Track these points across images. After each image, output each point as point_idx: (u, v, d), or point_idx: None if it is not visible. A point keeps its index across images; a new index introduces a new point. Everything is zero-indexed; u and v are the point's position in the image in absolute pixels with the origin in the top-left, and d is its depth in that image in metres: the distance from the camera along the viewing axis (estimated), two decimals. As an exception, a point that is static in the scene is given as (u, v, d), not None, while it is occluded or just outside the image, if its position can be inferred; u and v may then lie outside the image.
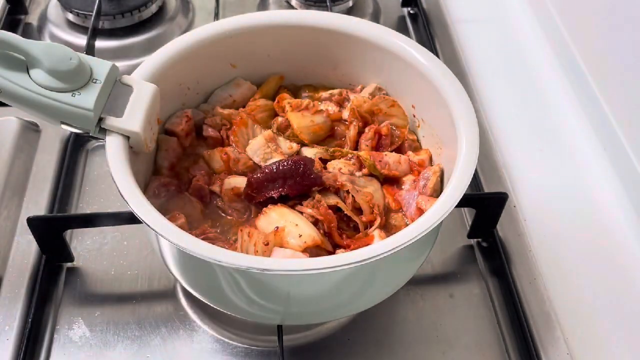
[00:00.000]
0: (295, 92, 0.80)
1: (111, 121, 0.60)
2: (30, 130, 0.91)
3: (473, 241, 0.83)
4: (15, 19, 1.11)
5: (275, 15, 0.75)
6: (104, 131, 0.61)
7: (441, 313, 0.76)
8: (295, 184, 0.65)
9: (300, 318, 0.69)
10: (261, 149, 0.70)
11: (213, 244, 0.58)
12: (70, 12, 1.05)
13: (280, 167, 0.65)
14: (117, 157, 0.59)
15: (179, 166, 0.71)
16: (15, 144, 0.89)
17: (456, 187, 0.59)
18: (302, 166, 0.65)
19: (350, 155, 0.71)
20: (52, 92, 0.58)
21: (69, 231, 0.81)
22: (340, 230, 0.66)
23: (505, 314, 0.76)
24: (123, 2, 1.07)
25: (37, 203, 0.83)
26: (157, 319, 0.74)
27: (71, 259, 0.78)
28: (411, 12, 1.17)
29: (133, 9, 1.06)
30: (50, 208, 0.82)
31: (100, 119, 0.61)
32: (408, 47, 0.71)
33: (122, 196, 0.56)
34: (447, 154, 0.68)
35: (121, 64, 0.96)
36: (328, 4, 1.07)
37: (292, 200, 0.66)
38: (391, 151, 0.73)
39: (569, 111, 1.00)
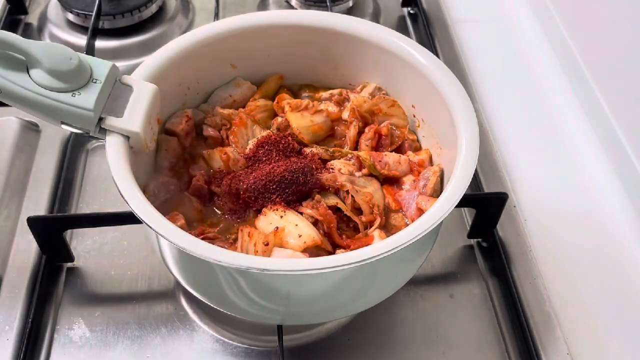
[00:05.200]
0: (295, 92, 0.80)
1: (111, 121, 0.60)
2: (30, 130, 0.91)
3: (473, 241, 0.83)
4: (15, 19, 1.11)
5: (275, 15, 0.75)
6: (104, 131, 0.61)
7: (441, 313, 0.76)
8: (293, 192, 0.65)
9: (300, 318, 0.69)
10: (261, 149, 0.70)
11: (212, 243, 0.58)
12: (70, 12, 1.05)
13: (279, 177, 0.65)
14: (117, 157, 0.59)
15: (179, 166, 0.71)
16: (15, 144, 0.89)
17: (456, 187, 0.59)
18: (300, 176, 0.65)
19: (350, 156, 0.71)
20: (52, 92, 0.58)
21: (69, 231, 0.81)
22: (340, 230, 0.66)
23: (505, 314, 0.76)
24: (123, 2, 1.07)
25: (37, 203, 0.83)
26: (157, 319, 0.74)
27: (71, 259, 0.78)
28: (411, 12, 1.17)
29: (133, 9, 1.06)
30: (50, 208, 0.82)
31: (101, 119, 0.61)
32: (408, 47, 0.71)
33: (122, 196, 0.56)
34: (447, 154, 0.68)
35: (121, 64, 0.97)
36: (328, 4, 1.07)
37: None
38: (391, 151, 0.73)
39: (569, 111, 1.00)
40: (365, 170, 0.70)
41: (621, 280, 0.80)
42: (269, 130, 0.73)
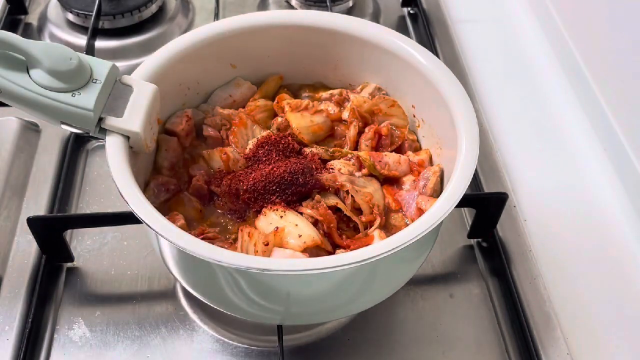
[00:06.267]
0: (295, 92, 0.80)
1: (111, 121, 0.60)
2: (30, 130, 0.91)
3: (473, 241, 0.83)
4: (15, 19, 1.11)
5: (275, 15, 0.75)
6: (104, 131, 0.61)
7: (441, 313, 0.76)
8: (293, 193, 0.65)
9: (300, 318, 0.69)
10: (260, 149, 0.70)
11: (212, 243, 0.58)
12: (70, 12, 1.05)
13: (279, 178, 0.65)
14: (117, 157, 0.59)
15: (179, 166, 0.71)
16: (15, 144, 0.89)
17: (456, 187, 0.59)
18: (300, 176, 0.65)
19: (350, 156, 0.71)
20: (52, 92, 0.58)
21: (69, 231, 0.81)
22: (340, 230, 0.66)
23: (505, 314, 0.76)
24: (123, 2, 1.07)
25: (37, 203, 0.83)
26: (157, 319, 0.74)
27: (71, 259, 0.78)
28: (411, 12, 1.17)
29: (133, 9, 1.06)
30: (50, 208, 0.82)
31: (100, 119, 0.61)
32: (408, 47, 0.71)
33: (122, 196, 0.56)
34: (447, 154, 0.68)
35: (121, 64, 0.97)
36: (328, 4, 1.07)
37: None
38: (391, 151, 0.73)
39: (569, 111, 1.00)
40: (365, 170, 0.70)
41: (621, 280, 0.80)
42: (269, 131, 0.73)
